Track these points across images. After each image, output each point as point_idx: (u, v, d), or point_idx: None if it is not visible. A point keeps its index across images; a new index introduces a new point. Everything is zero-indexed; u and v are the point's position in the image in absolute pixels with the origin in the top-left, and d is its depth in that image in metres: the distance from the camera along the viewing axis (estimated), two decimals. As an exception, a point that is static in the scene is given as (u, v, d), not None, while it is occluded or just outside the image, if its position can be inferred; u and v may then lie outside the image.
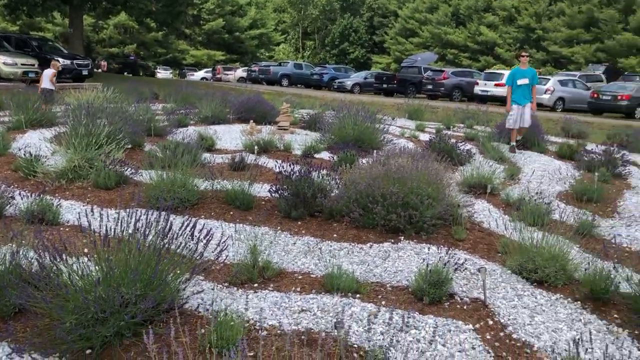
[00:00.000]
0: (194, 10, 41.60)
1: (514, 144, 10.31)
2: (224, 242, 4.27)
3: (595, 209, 6.44)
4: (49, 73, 13.62)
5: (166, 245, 3.53)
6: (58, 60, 15.90)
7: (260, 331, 3.42)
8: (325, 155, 8.70)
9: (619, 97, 21.29)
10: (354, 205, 5.28)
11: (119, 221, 3.72)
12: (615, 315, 3.91)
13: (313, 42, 68.38)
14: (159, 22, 31.36)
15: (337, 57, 61.28)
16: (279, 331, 3.43)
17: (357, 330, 3.47)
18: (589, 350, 3.33)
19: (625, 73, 33.58)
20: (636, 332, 3.68)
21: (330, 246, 4.95)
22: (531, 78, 10.26)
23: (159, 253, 3.40)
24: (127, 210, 4.59)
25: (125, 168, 6.78)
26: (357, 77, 33.88)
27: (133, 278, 3.20)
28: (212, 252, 4.22)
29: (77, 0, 26.37)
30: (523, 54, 10.70)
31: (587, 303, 4.05)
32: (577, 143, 10.45)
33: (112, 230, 3.59)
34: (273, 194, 5.78)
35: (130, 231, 3.56)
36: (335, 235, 5.23)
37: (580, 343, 2.96)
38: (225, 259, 4.47)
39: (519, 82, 10.25)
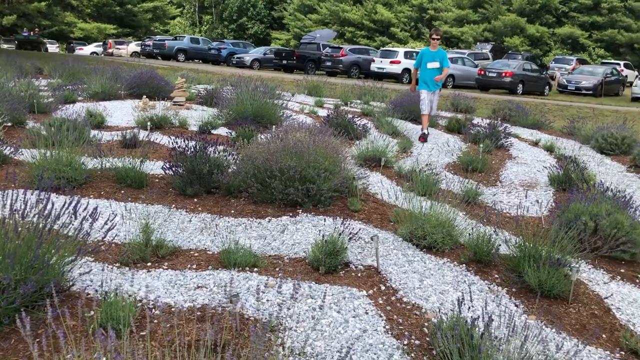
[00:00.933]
0: (80, -20, 38.85)
1: (426, 132, 9.33)
2: (113, 221, 4.08)
3: (479, 178, 6.85)
4: None
5: (47, 226, 3.32)
6: None
7: (153, 310, 3.33)
8: (223, 131, 8.56)
9: (503, 74, 22.67)
10: (252, 181, 5.25)
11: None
12: (496, 276, 4.21)
13: (210, 17, 66.44)
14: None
15: (236, 33, 60.09)
16: (173, 309, 3.36)
17: (253, 303, 3.47)
18: (471, 308, 3.56)
19: (510, 51, 35.79)
20: (513, 289, 3.99)
21: (228, 222, 4.90)
22: (441, 61, 9.29)
23: (40, 234, 3.19)
24: (5, 191, 4.28)
25: (4, 147, 6.28)
26: (256, 52, 33.46)
27: (10, 262, 2.98)
28: (101, 231, 4.03)
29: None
30: (434, 36, 9.38)
31: (471, 266, 4.32)
32: (465, 117, 11.02)
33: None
34: (167, 171, 5.60)
35: (6, 213, 3.31)
36: (233, 211, 5.18)
37: (463, 302, 3.15)
38: (115, 239, 4.30)
39: (429, 65, 9.24)
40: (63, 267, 3.38)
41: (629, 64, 36.20)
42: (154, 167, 6.18)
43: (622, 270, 4.46)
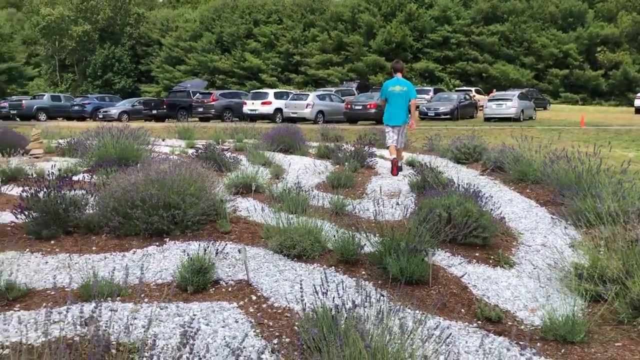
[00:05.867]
0: None
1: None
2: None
3: (347, 193, 7.11)
4: None
5: None
6: None
7: (2, 350, 3.05)
8: (85, 177, 8.14)
9: (369, 106, 23.89)
10: (113, 214, 5.03)
11: None
12: (363, 272, 4.35)
13: (73, 75, 63.67)
14: None
15: (102, 88, 57.95)
16: (25, 347, 3.09)
17: (116, 329, 3.29)
18: (338, 301, 3.63)
19: (373, 87, 37.94)
20: (379, 282, 4.14)
21: (89, 259, 4.64)
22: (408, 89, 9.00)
23: None
24: None
25: None
26: (124, 104, 32.48)
27: None
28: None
29: None
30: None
31: (340, 267, 4.44)
32: (334, 144, 11.43)
33: None
34: (18, 216, 5.21)
35: None
36: (94, 248, 4.91)
37: (326, 294, 3.22)
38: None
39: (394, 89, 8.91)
40: None
41: (479, 90, 39.87)
42: (6, 217, 5.73)
43: (477, 254, 4.81)
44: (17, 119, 31.70)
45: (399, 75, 9.06)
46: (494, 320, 3.53)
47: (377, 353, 2.47)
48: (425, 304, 3.77)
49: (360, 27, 53.16)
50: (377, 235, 4.96)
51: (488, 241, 4.94)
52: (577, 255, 4.53)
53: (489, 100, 27.21)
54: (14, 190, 7.19)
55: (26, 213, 5.16)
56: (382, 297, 3.86)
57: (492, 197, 5.74)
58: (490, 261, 4.68)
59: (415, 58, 52.53)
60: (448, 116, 26.14)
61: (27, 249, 4.84)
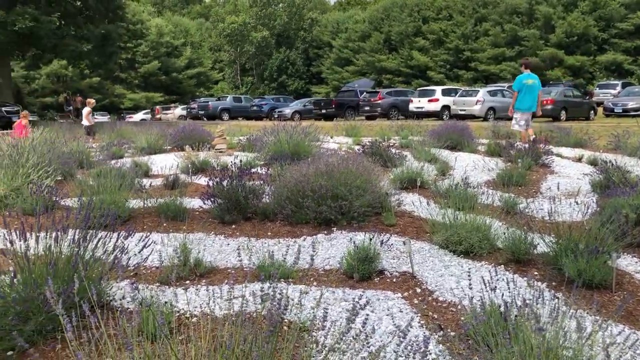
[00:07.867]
0: (128, 54, 41.25)
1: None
2: (153, 248, 4.24)
3: (519, 191, 6.74)
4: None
5: (90, 253, 3.56)
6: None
7: (191, 318, 3.42)
8: (262, 169, 8.76)
9: (545, 102, 22.35)
10: (286, 203, 5.36)
11: (45, 238, 3.69)
12: (536, 273, 4.10)
13: (252, 78, 68.86)
14: (92, 64, 30.98)
15: (277, 90, 61.95)
16: (210, 317, 3.42)
17: (288, 308, 3.50)
18: (507, 299, 3.47)
19: (550, 82, 35.51)
20: (553, 284, 3.87)
21: (265, 243, 4.99)
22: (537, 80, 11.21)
23: (75, 260, 3.40)
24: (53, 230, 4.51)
25: (55, 195, 6.64)
26: (296, 105, 34.25)
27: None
28: (140, 256, 4.19)
29: (2, 50, 25.78)
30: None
31: (510, 266, 4.23)
32: (506, 141, 10.90)
33: (35, 247, 3.57)
34: (206, 202, 5.78)
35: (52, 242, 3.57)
36: (269, 233, 5.27)
37: (495, 290, 3.10)
38: (155, 264, 4.44)
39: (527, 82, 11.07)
40: (102, 286, 3.55)
41: (679, 83, 35.11)
42: (195, 203, 6.38)
43: (673, 262, 4.27)
44: (204, 118, 35.05)
45: (528, 71, 11.23)
46: (693, 336, 3.11)
47: (549, 353, 2.32)
48: (607, 310, 3.44)
49: (537, 19, 49.93)
50: (552, 235, 4.65)
51: (688, 248, 4.36)
52: None
53: (692, 94, 23.87)
54: (202, 180, 7.99)
55: (212, 200, 5.71)
56: (556, 298, 3.60)
57: (693, 198, 5.04)
58: (691, 271, 4.13)
59: (600, 50, 47.94)
60: (639, 112, 23.45)
61: (212, 232, 5.35)
